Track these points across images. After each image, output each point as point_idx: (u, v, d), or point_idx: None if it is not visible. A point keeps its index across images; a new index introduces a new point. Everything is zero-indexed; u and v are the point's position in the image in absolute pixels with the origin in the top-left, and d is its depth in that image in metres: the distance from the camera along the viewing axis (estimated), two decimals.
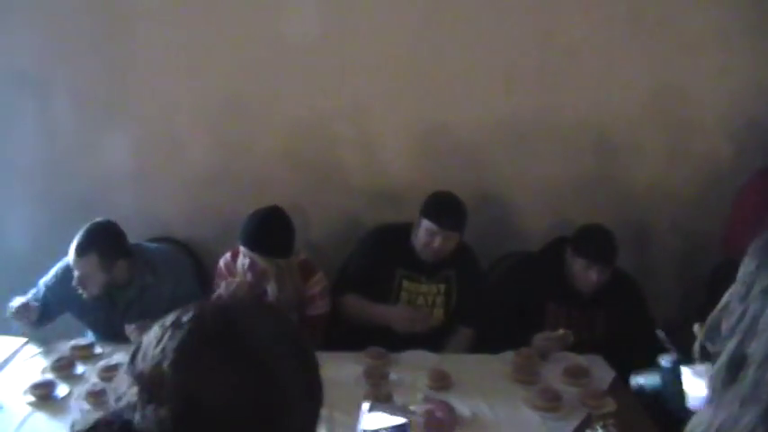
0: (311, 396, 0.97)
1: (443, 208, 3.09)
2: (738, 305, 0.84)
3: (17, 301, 2.76)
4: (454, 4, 3.42)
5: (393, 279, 3.16)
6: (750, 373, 0.78)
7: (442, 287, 3.20)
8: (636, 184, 3.72)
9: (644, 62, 3.53)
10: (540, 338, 2.93)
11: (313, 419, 0.97)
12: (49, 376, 2.58)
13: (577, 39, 3.48)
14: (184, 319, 0.93)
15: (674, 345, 1.40)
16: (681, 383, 1.27)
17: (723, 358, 0.82)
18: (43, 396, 2.44)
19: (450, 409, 2.31)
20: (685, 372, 1.23)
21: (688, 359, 1.27)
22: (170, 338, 0.91)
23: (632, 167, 3.70)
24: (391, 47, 3.44)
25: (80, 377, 2.62)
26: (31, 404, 2.42)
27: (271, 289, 2.90)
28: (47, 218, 3.52)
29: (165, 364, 0.89)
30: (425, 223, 3.07)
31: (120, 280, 2.89)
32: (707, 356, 0.88)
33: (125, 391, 0.92)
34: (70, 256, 2.79)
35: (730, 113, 3.64)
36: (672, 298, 3.73)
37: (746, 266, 0.88)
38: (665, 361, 1.33)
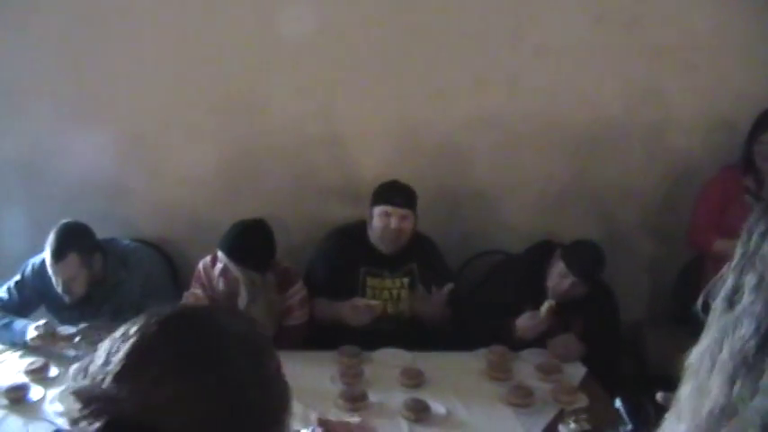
0: (269, 396, 0.95)
1: (389, 189, 3.16)
2: (738, 250, 0.89)
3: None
4: (426, 4, 3.44)
5: (357, 277, 3.19)
6: (744, 297, 0.83)
7: (406, 280, 3.22)
8: (609, 184, 3.76)
9: (615, 63, 3.57)
10: (528, 323, 2.93)
11: (276, 419, 0.95)
12: (23, 379, 2.56)
13: (548, 40, 3.51)
14: (132, 330, 0.91)
15: (629, 416, 1.46)
16: None
17: (722, 293, 0.87)
18: (17, 399, 2.43)
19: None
20: None
21: (643, 429, 1.35)
22: (116, 351, 0.90)
23: (606, 167, 3.73)
24: (364, 48, 3.45)
25: (54, 380, 2.60)
26: (4, 407, 2.40)
27: (240, 300, 2.88)
28: (22, 219, 3.49)
29: (108, 379, 0.87)
30: (377, 210, 3.14)
31: (97, 275, 2.89)
32: (707, 312, 0.91)
33: (70, 408, 0.89)
34: (49, 265, 2.79)
35: (701, 113, 3.68)
36: (640, 299, 3.78)
37: (749, 222, 0.93)
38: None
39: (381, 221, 3.13)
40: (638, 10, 3.52)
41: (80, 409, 0.87)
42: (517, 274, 3.19)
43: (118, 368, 0.88)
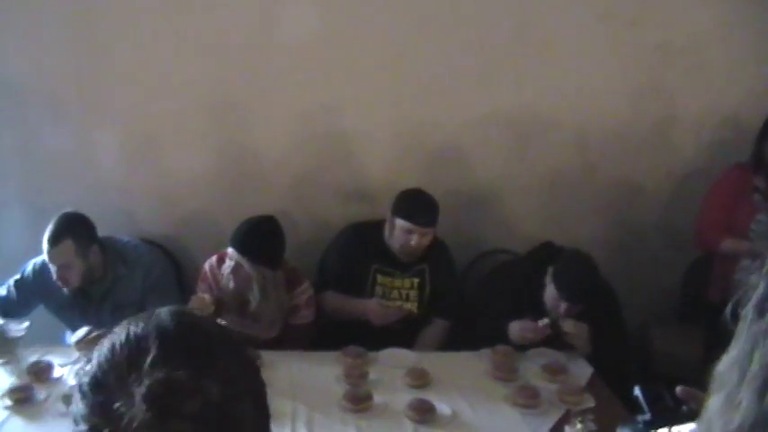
0: (261, 406, 0.95)
1: (416, 206, 3.12)
2: None
3: None
4: (432, 3, 3.42)
5: (368, 275, 3.21)
6: None
7: (416, 281, 3.23)
8: (616, 182, 3.75)
9: (621, 60, 3.56)
10: (517, 328, 2.90)
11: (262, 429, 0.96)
12: (27, 380, 2.56)
13: (553, 38, 3.50)
14: (136, 330, 0.90)
15: (648, 405, 1.43)
16: None
17: (752, 301, 0.84)
18: (21, 400, 2.42)
19: None
20: None
21: (661, 420, 1.32)
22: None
23: (613, 165, 3.72)
24: (369, 46, 3.44)
25: (57, 381, 2.59)
26: (8, 408, 2.40)
27: (253, 298, 2.87)
28: (23, 219, 3.48)
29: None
30: (400, 222, 3.09)
31: (95, 270, 2.88)
32: (736, 321, 0.89)
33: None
34: (45, 251, 2.77)
35: (708, 111, 3.67)
36: (647, 297, 3.75)
37: None
38: (639, 421, 1.39)
39: (403, 237, 3.10)
40: (644, 7, 3.50)
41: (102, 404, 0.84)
42: (515, 279, 3.12)
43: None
